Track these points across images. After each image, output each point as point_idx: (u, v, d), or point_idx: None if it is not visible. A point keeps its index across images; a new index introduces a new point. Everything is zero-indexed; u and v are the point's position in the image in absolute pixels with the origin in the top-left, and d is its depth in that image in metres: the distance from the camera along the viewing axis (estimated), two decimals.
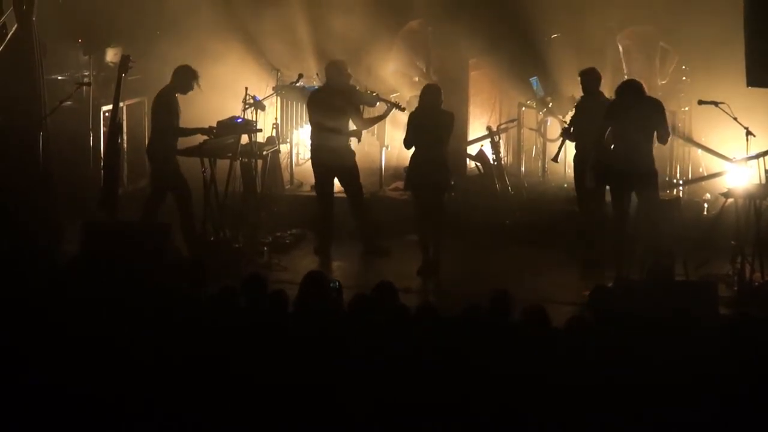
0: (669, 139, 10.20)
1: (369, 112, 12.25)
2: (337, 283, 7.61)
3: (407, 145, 10.80)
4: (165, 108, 10.86)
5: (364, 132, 11.65)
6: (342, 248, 11.37)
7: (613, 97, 10.42)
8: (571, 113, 11.44)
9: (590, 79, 10.90)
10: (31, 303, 6.98)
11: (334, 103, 11.15)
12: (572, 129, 10.90)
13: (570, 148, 11.47)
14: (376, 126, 12.53)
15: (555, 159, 11.64)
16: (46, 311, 6.86)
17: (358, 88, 12.12)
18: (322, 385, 6.08)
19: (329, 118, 11.13)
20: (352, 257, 11.26)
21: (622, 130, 10.05)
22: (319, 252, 11.30)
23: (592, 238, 10.74)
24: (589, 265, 10.60)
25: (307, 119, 11.73)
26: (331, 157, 11.16)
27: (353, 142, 11.37)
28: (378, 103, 12.10)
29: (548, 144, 12.96)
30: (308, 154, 13.65)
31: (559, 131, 11.57)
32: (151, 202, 11.05)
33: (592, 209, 10.79)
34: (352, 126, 11.27)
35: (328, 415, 5.97)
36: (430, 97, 10.68)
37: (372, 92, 12.27)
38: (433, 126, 10.61)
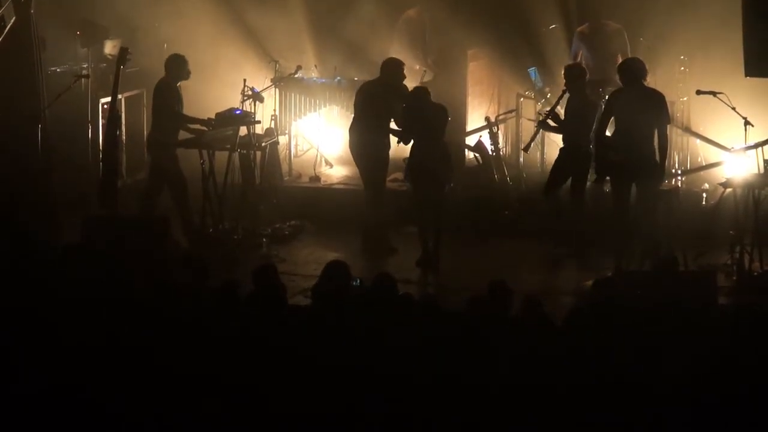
0: (668, 128, 10.20)
1: None
2: (358, 281, 7.61)
3: (407, 135, 10.78)
4: (165, 93, 10.91)
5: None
6: (341, 240, 11.37)
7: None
8: (549, 102, 11.46)
9: (572, 74, 10.87)
10: (28, 298, 6.98)
11: (382, 98, 11.05)
12: (557, 124, 10.90)
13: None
14: None
15: (526, 149, 11.71)
16: (42, 307, 6.86)
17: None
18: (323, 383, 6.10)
19: (373, 112, 11.05)
20: (351, 249, 11.26)
21: (623, 121, 10.06)
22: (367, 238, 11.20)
23: (565, 227, 10.78)
24: (558, 253, 10.69)
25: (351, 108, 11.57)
26: (363, 149, 11.12)
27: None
28: None
29: (546, 135, 12.94)
30: (306, 146, 13.70)
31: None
32: (149, 195, 11.07)
33: (577, 201, 10.82)
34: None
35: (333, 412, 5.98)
36: (421, 93, 10.82)
37: None
38: (431, 116, 10.64)
